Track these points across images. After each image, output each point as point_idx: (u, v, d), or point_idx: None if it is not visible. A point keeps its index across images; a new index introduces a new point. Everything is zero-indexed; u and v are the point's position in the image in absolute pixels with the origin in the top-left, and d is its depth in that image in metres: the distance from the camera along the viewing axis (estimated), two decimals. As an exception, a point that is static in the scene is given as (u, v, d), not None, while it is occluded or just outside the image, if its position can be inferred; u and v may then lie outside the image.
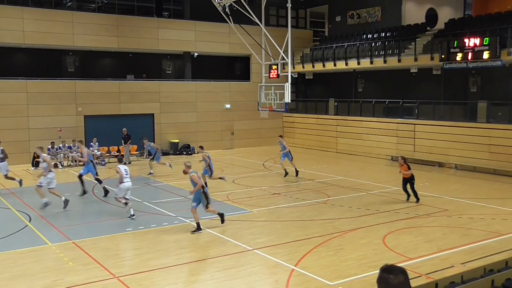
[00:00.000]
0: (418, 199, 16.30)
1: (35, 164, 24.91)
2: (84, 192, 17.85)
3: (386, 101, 28.08)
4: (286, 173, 21.39)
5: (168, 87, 30.74)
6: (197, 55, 32.13)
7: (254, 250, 11.60)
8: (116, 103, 28.60)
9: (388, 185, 19.23)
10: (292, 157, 21.59)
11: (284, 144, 21.57)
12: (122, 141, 26.72)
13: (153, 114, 30.13)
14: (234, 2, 21.98)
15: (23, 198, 17.29)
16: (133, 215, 14.50)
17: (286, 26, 22.38)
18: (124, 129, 26.63)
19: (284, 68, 23.05)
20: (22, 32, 26.06)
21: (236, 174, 22.04)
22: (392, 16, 31.26)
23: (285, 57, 21.20)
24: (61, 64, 28.85)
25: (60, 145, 25.64)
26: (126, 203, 14.75)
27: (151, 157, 23.25)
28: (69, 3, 28.90)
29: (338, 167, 24.64)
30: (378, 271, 3.56)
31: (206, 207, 13.06)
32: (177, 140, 30.48)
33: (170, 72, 32.33)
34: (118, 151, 27.34)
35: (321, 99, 32.61)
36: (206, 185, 17.44)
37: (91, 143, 26.05)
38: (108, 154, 27.16)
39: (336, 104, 31.24)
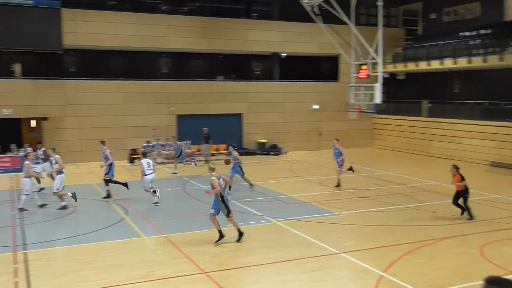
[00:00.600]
0: (471, 217, 14.27)
1: (132, 160, 26.26)
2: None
3: (485, 102, 26.44)
4: (338, 185, 19.27)
5: (256, 87, 31.12)
6: (285, 56, 32.24)
7: (340, 254, 11.38)
8: (206, 103, 29.42)
9: (487, 192, 18.08)
10: (342, 165, 19.27)
11: (340, 150, 19.33)
12: (203, 141, 27.15)
13: (241, 114, 30.65)
14: (323, 1, 21.76)
15: (121, 193, 18.23)
16: (157, 203, 16.08)
17: (377, 25, 21.79)
18: (204, 128, 27.16)
19: (374, 68, 22.44)
20: (121, 36, 27.59)
21: (324, 176, 21.79)
22: (493, 12, 29.40)
23: (376, 57, 20.65)
24: (156, 66, 30.16)
25: (154, 142, 26.82)
26: (154, 192, 16.23)
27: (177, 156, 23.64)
28: (164, 7, 30.11)
29: (431, 171, 23.56)
30: (475, 282, 3.29)
31: (227, 215, 12.13)
32: (264, 140, 30.76)
33: (258, 72, 32.68)
34: (199, 150, 28.04)
35: (414, 100, 31.38)
36: (230, 189, 17.51)
37: (183, 142, 26.96)
38: (198, 153, 27.97)
39: (429, 105, 29.92)
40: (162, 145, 26.92)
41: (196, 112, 29.18)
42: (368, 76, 21.04)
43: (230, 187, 17.60)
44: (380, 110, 22.43)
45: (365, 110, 21.44)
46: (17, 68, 26.19)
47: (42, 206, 15.95)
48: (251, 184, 18.47)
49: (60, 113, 25.92)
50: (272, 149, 30.52)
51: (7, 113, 24.43)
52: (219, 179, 12.09)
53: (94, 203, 16.83)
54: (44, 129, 26.25)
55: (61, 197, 15.86)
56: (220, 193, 11.99)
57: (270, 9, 32.85)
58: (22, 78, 25.85)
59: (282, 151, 30.53)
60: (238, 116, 30.65)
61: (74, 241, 12.46)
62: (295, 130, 31.55)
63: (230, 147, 19.68)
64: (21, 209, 15.51)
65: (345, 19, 21.93)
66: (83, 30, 26.60)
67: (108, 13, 27.77)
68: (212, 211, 12.12)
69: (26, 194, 15.56)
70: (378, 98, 19.86)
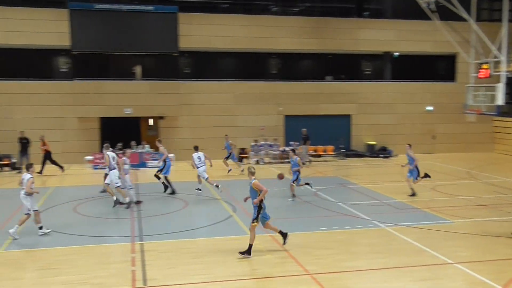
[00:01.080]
0: None
1: (240, 160, 26.90)
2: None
3: None
4: (413, 194, 17.68)
5: (366, 88, 30.36)
6: (397, 55, 31.09)
7: (454, 264, 10.68)
8: (315, 103, 29.29)
9: None
10: (418, 175, 17.65)
11: (412, 156, 17.74)
12: (301, 142, 26.92)
13: (350, 115, 30.09)
14: (440, -3, 20.65)
15: (230, 190, 18.73)
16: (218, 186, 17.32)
17: (501, 20, 20.21)
18: (303, 129, 26.92)
19: (496, 67, 20.82)
20: (232, 38, 28.39)
21: (437, 181, 20.65)
22: None
23: (499, 55, 19.16)
24: (265, 67, 30.60)
25: (262, 142, 27.25)
26: (217, 186, 17.33)
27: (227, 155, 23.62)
28: (274, 8, 30.46)
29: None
30: None
31: (252, 221, 11.32)
32: (373, 142, 29.91)
33: (369, 72, 31.86)
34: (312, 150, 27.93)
35: (541, 101, 28.66)
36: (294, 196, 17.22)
37: (291, 143, 27.11)
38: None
39: (560, 107, 27.14)
40: (270, 145, 27.27)
41: (304, 113, 29.16)
42: (489, 75, 19.57)
43: (307, 183, 17.66)
44: (502, 112, 20.76)
45: (485, 112, 19.98)
46: (138, 70, 28.06)
47: (137, 202, 16.58)
48: (293, 195, 17.52)
49: (175, 112, 27.33)
50: (382, 152, 29.58)
51: (128, 112, 26.27)
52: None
53: (204, 200, 17.45)
54: (160, 128, 27.83)
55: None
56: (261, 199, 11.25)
57: (383, 7, 31.86)
58: (141, 80, 27.65)
59: (392, 154, 29.47)
60: (347, 117, 30.12)
61: (185, 235, 13.01)
62: (407, 132, 30.28)
63: (290, 150, 18.49)
64: (138, 202, 16.56)
65: (465, 15, 20.61)
66: (197, 33, 27.77)
67: (220, 16, 28.71)
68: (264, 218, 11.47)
69: (130, 188, 16.41)
70: (500, 99, 18.40)
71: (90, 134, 26.54)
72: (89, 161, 25.07)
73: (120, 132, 25.91)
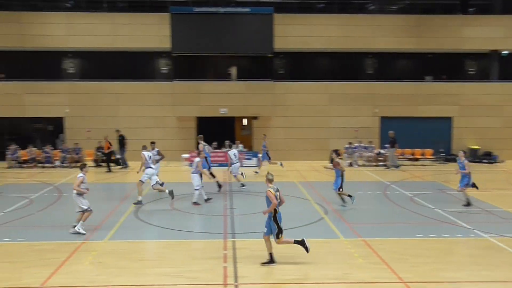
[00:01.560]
0: None
1: (332, 161, 26.51)
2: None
3: None
4: (468, 204, 16.29)
5: (470, 89, 28.63)
6: (506, 53, 29.01)
7: None
8: (413, 105, 28.15)
9: None
10: (470, 182, 16.09)
11: (464, 164, 16.17)
12: (389, 145, 25.83)
13: (451, 117, 28.55)
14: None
15: (321, 191, 18.52)
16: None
17: None
18: (390, 132, 25.87)
19: None
20: (327, 38, 28.08)
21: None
22: None
23: None
24: (361, 67, 29.93)
25: (356, 144, 26.66)
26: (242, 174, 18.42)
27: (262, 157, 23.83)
28: (372, 7, 29.70)
29: None
30: None
31: (277, 236, 10.58)
32: (477, 147, 28.14)
33: (473, 72, 30.03)
34: (402, 154, 26.86)
35: None
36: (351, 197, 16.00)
37: (386, 145, 26.28)
38: (402, 157, 26.93)
39: None
40: (365, 147, 26.61)
41: (401, 114, 28.11)
42: None
43: (350, 195, 16.21)
44: None
45: None
46: (233, 71, 28.67)
47: (207, 200, 16.77)
48: (344, 200, 16.57)
49: (269, 113, 27.57)
50: (486, 157, 27.72)
51: (223, 112, 26.92)
52: (276, 192, 10.66)
53: (296, 201, 17.39)
54: (254, 128, 28.22)
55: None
56: (275, 209, 10.56)
57: (490, 3, 29.86)
58: (237, 80, 28.24)
59: (498, 160, 27.53)
60: (448, 119, 28.60)
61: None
62: (515, 136, 28.17)
63: (333, 153, 17.32)
64: (195, 203, 16.51)
65: None
66: (292, 33, 27.82)
67: (315, 16, 28.54)
68: (265, 230, 10.72)
69: (197, 189, 16.52)
70: None
71: (187, 133, 27.55)
72: (186, 159, 26.02)
73: (215, 132, 26.65)
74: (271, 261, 10.66)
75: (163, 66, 29.02)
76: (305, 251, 10.77)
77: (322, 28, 28.14)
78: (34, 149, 25.86)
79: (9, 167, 24.91)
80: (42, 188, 19.06)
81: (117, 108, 27.30)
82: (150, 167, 16.75)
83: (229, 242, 12.35)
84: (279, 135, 27.89)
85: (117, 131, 25.36)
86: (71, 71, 28.63)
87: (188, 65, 28.11)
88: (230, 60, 28.94)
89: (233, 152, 19.72)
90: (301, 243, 10.82)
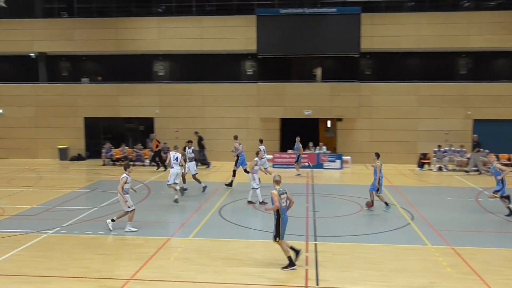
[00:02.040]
0: None
1: (421, 165, 25.54)
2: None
3: None
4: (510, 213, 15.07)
5: None
6: None
7: None
8: (509, 107, 26.36)
9: None
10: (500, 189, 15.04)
11: (498, 168, 15.33)
12: (474, 150, 24.29)
13: (554, 120, 26.44)
14: None
15: (408, 196, 17.88)
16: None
17: None
18: (474, 136, 24.46)
19: None
20: (417, 37, 27.04)
21: None
22: None
23: None
24: (453, 67, 28.53)
25: (447, 148, 25.45)
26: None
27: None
28: (467, 4, 28.21)
29: None
30: None
31: (274, 239, 10.46)
32: None
33: None
34: (509, 159, 25.17)
35: None
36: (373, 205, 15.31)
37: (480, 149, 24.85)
38: (499, 162, 25.29)
39: None
40: (456, 151, 25.30)
41: (497, 117, 26.43)
42: None
43: (386, 203, 15.73)
44: None
45: None
46: (318, 72, 28.46)
47: (262, 203, 16.52)
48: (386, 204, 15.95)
49: (353, 114, 27.06)
50: None
51: (307, 113, 26.81)
52: (282, 194, 10.45)
53: (380, 205, 16.90)
54: (338, 130, 27.83)
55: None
56: (278, 211, 10.35)
57: None
58: (321, 82, 28.01)
59: None
60: (551, 123, 26.50)
61: (360, 239, 12.75)
62: None
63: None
64: (250, 202, 16.65)
65: None
66: (380, 33, 27.10)
67: (404, 15, 27.59)
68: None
69: (255, 188, 16.56)
70: None
71: (271, 134, 27.72)
72: (269, 160, 26.15)
73: (299, 133, 26.60)
74: (290, 264, 10.46)
75: (249, 67, 29.45)
76: (290, 262, 10.45)
77: (412, 27, 27.15)
78: (126, 148, 27.28)
79: (103, 165, 26.43)
80: (133, 186, 19.99)
81: (203, 109, 28.09)
82: (173, 167, 17.23)
83: (311, 244, 12.25)
84: (364, 138, 27.29)
85: (196, 132, 26.09)
86: (161, 73, 29.88)
87: (273, 66, 28.30)
88: (315, 61, 28.77)
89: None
90: (296, 252, 10.59)
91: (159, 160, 25.09)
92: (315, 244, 12.25)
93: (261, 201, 16.50)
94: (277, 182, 10.76)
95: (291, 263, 10.47)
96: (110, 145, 27.21)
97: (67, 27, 29.04)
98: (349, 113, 27.01)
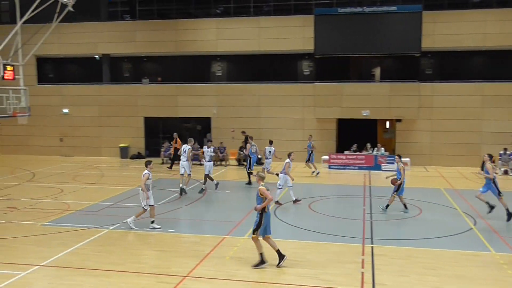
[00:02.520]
0: None
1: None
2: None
3: None
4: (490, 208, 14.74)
5: None
6: None
7: None
8: None
9: None
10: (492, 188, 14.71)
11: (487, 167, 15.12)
12: None
13: None
14: None
15: (471, 200, 17.20)
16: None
17: None
18: None
19: None
20: (483, 35, 25.94)
21: None
22: None
23: None
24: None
25: (512, 151, 24.29)
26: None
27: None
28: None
29: None
30: None
31: (253, 232, 10.57)
32: None
33: None
34: None
35: None
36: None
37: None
38: None
39: None
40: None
41: None
42: None
43: (405, 205, 15.52)
44: None
45: None
46: (377, 72, 27.89)
47: (295, 201, 16.56)
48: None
49: (413, 115, 26.32)
50: None
51: (365, 114, 26.33)
52: (267, 190, 10.54)
53: (440, 209, 16.37)
54: (397, 131, 27.16)
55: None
56: (264, 207, 10.49)
57: None
58: (380, 81, 27.43)
59: None
60: None
61: (419, 243, 12.38)
62: None
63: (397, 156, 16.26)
64: (277, 202, 16.50)
65: None
66: (442, 31, 26.22)
67: (469, 12, 26.54)
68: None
69: (279, 188, 16.47)
70: None
71: (328, 135, 27.45)
72: (325, 161, 25.93)
73: (356, 134, 26.17)
74: (262, 262, 10.57)
75: (305, 67, 29.29)
76: (261, 260, 10.57)
77: (477, 25, 26.07)
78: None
79: (162, 163, 27.09)
80: (190, 184, 20.38)
81: (259, 109, 28.21)
82: (187, 160, 18.20)
83: (368, 247, 12.02)
84: (423, 139, 26.50)
85: (243, 132, 26.18)
86: (218, 74, 30.27)
87: (330, 66, 27.99)
88: (373, 60, 28.22)
89: (268, 150, 20.28)
90: (281, 257, 10.63)
91: (171, 159, 25.83)
92: (372, 247, 12.01)
93: (277, 200, 16.52)
94: (262, 178, 10.88)
95: (262, 261, 10.57)
96: (169, 144, 27.84)
97: (129, 29, 30.00)
98: (408, 113, 26.29)
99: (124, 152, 29.61)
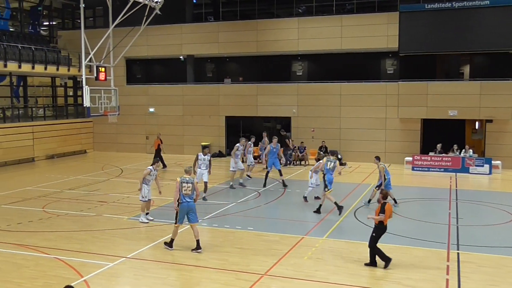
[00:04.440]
0: None
1: None
2: None
3: None
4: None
5: None
6: None
7: None
8: None
9: None
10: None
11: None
12: None
13: None
14: None
15: None
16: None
17: None
18: None
19: None
20: None
21: None
22: None
23: None
24: None
25: None
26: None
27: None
28: None
29: None
30: None
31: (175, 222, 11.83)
32: None
33: None
34: None
35: None
36: None
37: None
38: None
39: None
40: None
41: None
42: None
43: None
44: None
45: None
46: (466, 70, 26.51)
47: (317, 198, 16.67)
48: None
49: (506, 115, 24.70)
50: None
51: (452, 114, 25.10)
52: (186, 183, 11.72)
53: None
54: (487, 132, 25.64)
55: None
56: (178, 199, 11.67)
57: None
58: (469, 80, 26.05)
59: None
60: None
61: (511, 251, 11.62)
62: None
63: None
64: (305, 198, 16.86)
65: None
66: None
67: None
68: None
69: (310, 187, 16.61)
70: None
71: (411, 136, 26.50)
72: (409, 162, 25.04)
73: (442, 135, 25.05)
74: (170, 245, 11.71)
75: (389, 66, 28.49)
76: (170, 243, 11.69)
77: None
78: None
79: (242, 162, 27.39)
80: (269, 183, 20.52)
81: (339, 109, 27.79)
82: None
83: (453, 253, 11.46)
84: (517, 141, 24.87)
85: (281, 130, 25.92)
86: (299, 73, 30.20)
87: (415, 64, 27.01)
88: (462, 58, 26.88)
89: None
90: (198, 247, 11.53)
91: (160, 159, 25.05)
92: (458, 253, 11.44)
93: (305, 196, 16.91)
94: (186, 171, 12.12)
95: (170, 244, 11.71)
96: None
97: (212, 30, 30.71)
98: (500, 113, 24.72)
99: (206, 151, 30.35)
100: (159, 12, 22.36)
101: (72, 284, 6.42)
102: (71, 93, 34.56)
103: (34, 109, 30.51)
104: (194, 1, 32.66)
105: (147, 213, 14.52)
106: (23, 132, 27.96)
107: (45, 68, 29.02)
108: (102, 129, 32.47)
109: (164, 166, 25.28)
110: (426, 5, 25.49)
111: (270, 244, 12.25)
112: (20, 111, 29.97)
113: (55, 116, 31.16)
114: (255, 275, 10.07)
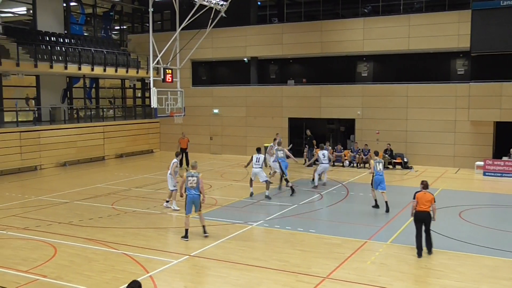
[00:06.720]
0: None
1: None
2: None
3: None
4: None
5: None
6: None
7: None
8: None
9: None
10: None
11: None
12: None
13: None
14: None
15: None
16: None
17: None
18: None
19: None
20: None
21: None
22: None
23: None
24: None
25: None
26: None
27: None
28: None
29: None
30: None
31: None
32: None
33: None
34: None
35: None
36: None
37: None
38: None
39: None
40: None
41: None
42: None
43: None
44: None
45: None
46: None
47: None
48: None
49: None
50: None
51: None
52: (191, 177, 12.50)
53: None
54: None
55: None
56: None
57: None
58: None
59: None
60: None
61: None
62: None
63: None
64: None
65: None
66: None
67: None
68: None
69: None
70: None
71: (483, 139, 25.30)
72: (480, 167, 23.91)
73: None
74: (185, 236, 12.54)
75: (459, 66, 27.36)
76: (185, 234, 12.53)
77: None
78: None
79: (304, 163, 27.31)
80: (332, 185, 20.26)
81: (406, 111, 26.98)
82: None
83: (529, 264, 10.81)
84: None
85: (307, 130, 25.20)
86: (364, 74, 29.63)
87: (489, 64, 25.75)
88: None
89: (322, 153, 19.96)
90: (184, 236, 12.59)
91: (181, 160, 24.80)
92: (533, 265, 10.78)
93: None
94: (192, 166, 12.80)
95: (185, 235, 12.55)
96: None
97: (276, 32, 30.77)
98: None
99: (268, 152, 30.46)
100: (224, 15, 22.70)
101: (138, 279, 6.61)
102: (139, 95, 35.82)
103: (105, 110, 31.87)
104: (259, 3, 32.86)
105: (167, 201, 16.23)
106: (94, 132, 29.25)
107: (116, 71, 30.27)
108: (168, 130, 33.36)
109: (181, 165, 25.31)
110: (501, 1, 24.23)
111: (332, 247, 12.08)
112: (92, 112, 31.41)
113: (124, 117, 32.40)
114: (317, 278, 9.96)
